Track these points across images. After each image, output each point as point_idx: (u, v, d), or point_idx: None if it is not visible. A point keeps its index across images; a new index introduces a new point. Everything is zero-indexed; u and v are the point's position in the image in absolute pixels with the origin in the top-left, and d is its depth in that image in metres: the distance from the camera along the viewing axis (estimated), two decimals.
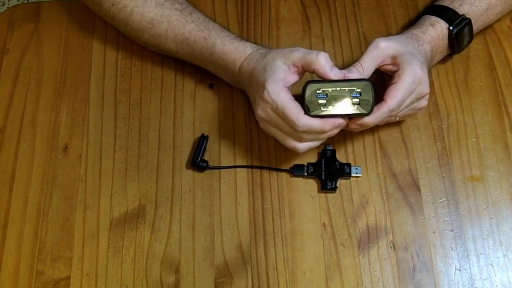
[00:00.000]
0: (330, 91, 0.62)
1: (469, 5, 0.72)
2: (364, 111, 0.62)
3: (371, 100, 0.62)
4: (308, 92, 0.63)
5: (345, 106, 0.63)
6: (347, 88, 0.63)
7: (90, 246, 0.68)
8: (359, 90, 0.62)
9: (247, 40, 0.72)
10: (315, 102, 0.63)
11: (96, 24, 0.82)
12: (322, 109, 0.63)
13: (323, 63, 0.62)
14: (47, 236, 0.69)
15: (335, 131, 0.64)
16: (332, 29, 0.80)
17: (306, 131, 0.63)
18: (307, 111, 0.63)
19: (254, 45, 0.70)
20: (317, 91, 0.63)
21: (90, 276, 0.67)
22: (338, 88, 0.63)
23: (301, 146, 0.65)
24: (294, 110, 0.62)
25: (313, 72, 0.63)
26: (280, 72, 0.63)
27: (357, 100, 0.62)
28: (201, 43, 0.71)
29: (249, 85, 0.69)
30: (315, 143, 0.65)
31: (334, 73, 0.63)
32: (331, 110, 0.63)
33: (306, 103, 0.63)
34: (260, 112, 0.65)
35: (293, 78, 0.65)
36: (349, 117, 0.65)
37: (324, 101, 0.63)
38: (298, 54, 0.63)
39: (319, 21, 0.81)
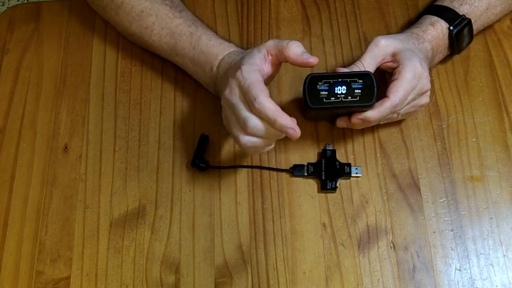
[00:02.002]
0: (331, 82, 0.63)
1: (469, 5, 0.72)
2: (366, 102, 0.63)
3: (373, 91, 0.62)
4: (309, 85, 0.63)
5: (347, 97, 0.63)
6: (348, 80, 0.63)
7: (90, 246, 0.68)
8: (360, 81, 0.63)
9: (232, 41, 0.73)
10: (317, 95, 0.63)
11: (96, 24, 0.82)
12: (324, 100, 0.63)
13: (294, 48, 0.61)
14: (47, 236, 0.69)
15: (280, 135, 0.61)
16: (332, 29, 0.80)
17: (261, 112, 0.59)
18: (308, 104, 0.63)
19: (238, 46, 0.71)
20: (319, 83, 0.63)
21: (90, 276, 0.67)
22: (340, 80, 0.63)
23: (245, 139, 0.61)
24: (259, 88, 0.59)
25: (285, 60, 0.62)
26: (256, 58, 0.63)
27: (359, 91, 0.62)
28: (185, 37, 0.71)
29: (224, 76, 0.67)
30: (258, 142, 0.61)
31: (305, 57, 0.61)
32: (333, 101, 0.63)
33: (307, 95, 0.63)
34: (227, 91, 0.62)
35: (268, 67, 0.64)
36: (352, 110, 0.65)
37: (326, 93, 0.63)
38: (272, 42, 0.63)
39: (319, 21, 0.81)
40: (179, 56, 0.73)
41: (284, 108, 0.74)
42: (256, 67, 0.61)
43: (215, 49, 0.70)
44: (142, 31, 0.74)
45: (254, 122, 0.59)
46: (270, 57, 0.63)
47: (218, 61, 0.69)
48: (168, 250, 0.68)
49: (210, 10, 0.82)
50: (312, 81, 0.63)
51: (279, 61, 0.64)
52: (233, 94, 0.61)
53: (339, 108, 0.64)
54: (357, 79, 0.63)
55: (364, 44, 0.78)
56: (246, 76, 0.60)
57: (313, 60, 0.61)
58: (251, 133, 0.60)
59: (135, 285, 0.66)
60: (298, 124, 0.73)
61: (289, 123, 0.59)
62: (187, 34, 0.71)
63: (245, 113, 0.60)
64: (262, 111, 0.58)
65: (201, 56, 0.70)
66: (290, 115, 0.74)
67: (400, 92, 0.64)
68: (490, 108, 0.74)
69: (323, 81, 0.63)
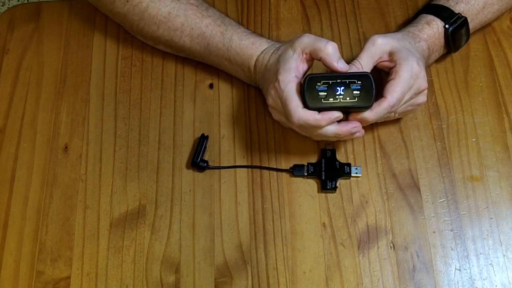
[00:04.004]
0: (330, 83, 0.63)
1: (465, 3, 0.72)
2: (365, 104, 0.63)
3: (372, 93, 0.63)
4: (308, 85, 0.63)
5: (346, 98, 0.63)
6: (347, 81, 0.63)
7: (90, 246, 0.68)
8: (359, 82, 0.63)
9: (262, 35, 0.73)
10: (315, 95, 0.63)
11: (96, 24, 0.82)
12: (323, 101, 0.63)
13: (331, 52, 0.63)
14: (47, 236, 0.69)
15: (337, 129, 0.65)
16: (332, 29, 0.80)
17: (303, 125, 0.64)
18: (307, 104, 0.63)
19: (269, 40, 0.72)
20: (317, 84, 0.63)
21: (90, 276, 0.67)
22: (339, 81, 0.63)
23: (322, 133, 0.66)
24: (294, 103, 0.63)
25: (319, 60, 0.64)
26: (291, 62, 0.65)
27: (358, 92, 0.63)
28: (218, 38, 0.71)
29: (262, 79, 0.70)
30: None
31: (340, 66, 0.64)
32: (331, 102, 0.63)
33: (306, 96, 0.63)
34: (270, 100, 0.67)
35: (304, 66, 0.66)
36: (350, 110, 0.65)
37: (325, 94, 0.63)
38: (307, 40, 0.65)
39: (319, 21, 0.81)
40: (214, 56, 0.73)
41: None
42: (293, 74, 0.64)
43: (248, 50, 0.70)
44: (171, 33, 0.73)
45: (304, 128, 0.66)
46: (305, 56, 0.65)
47: (254, 62, 0.70)
48: (168, 250, 0.68)
49: None
50: (311, 81, 0.63)
51: (313, 59, 0.66)
52: (277, 104, 0.66)
53: (337, 109, 0.64)
54: (356, 80, 0.63)
55: (363, 44, 0.78)
56: (283, 89, 0.64)
57: (345, 68, 0.64)
58: (308, 133, 0.68)
59: (135, 285, 0.66)
60: None
61: (332, 116, 0.63)
62: (218, 34, 0.71)
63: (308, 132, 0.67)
64: (303, 124, 0.63)
65: (237, 57, 0.71)
66: None
67: (397, 92, 0.64)
68: (490, 108, 0.74)
69: (322, 81, 0.63)
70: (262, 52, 0.70)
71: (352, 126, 0.64)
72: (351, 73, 0.64)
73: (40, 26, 0.82)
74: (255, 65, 0.70)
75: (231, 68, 0.74)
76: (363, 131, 0.66)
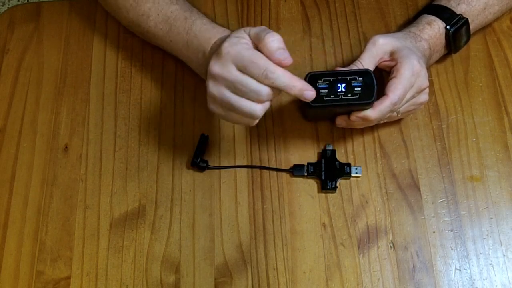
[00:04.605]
0: (331, 80, 0.63)
1: (466, 4, 0.72)
2: (366, 100, 0.63)
3: (373, 89, 0.62)
4: (309, 83, 0.63)
5: (347, 95, 0.63)
6: (348, 78, 0.63)
7: (90, 246, 0.68)
8: (360, 79, 0.63)
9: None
10: (317, 92, 0.63)
11: (96, 24, 0.82)
12: (324, 99, 0.63)
13: (270, 42, 0.57)
14: (47, 236, 0.69)
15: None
16: (332, 29, 0.80)
17: (274, 82, 0.57)
18: (308, 102, 0.63)
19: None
20: (318, 81, 0.63)
21: (90, 276, 0.67)
22: (340, 78, 0.63)
23: (260, 108, 0.59)
24: (261, 57, 0.57)
25: (260, 50, 0.59)
26: (244, 36, 0.60)
27: (359, 89, 0.63)
28: (180, 22, 0.70)
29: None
30: (268, 104, 0.60)
31: (278, 54, 0.57)
32: (333, 99, 0.63)
33: None
34: (218, 69, 0.58)
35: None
36: (352, 108, 0.65)
37: (326, 91, 0.63)
38: (254, 31, 0.60)
39: (319, 21, 0.81)
40: (173, 42, 0.71)
41: (284, 108, 0.75)
42: (244, 41, 0.59)
43: (208, 33, 0.67)
44: (139, 18, 0.73)
45: (267, 91, 0.57)
46: (253, 44, 0.60)
47: (210, 46, 0.66)
48: (168, 250, 0.68)
49: (210, 10, 0.82)
50: (312, 79, 0.63)
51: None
52: (229, 71, 0.58)
53: (339, 106, 0.64)
54: (356, 77, 0.63)
55: (364, 44, 0.78)
56: (239, 51, 0.57)
57: (286, 61, 0.57)
58: (264, 101, 0.59)
59: (135, 285, 0.66)
60: (298, 124, 0.74)
61: (305, 85, 0.58)
62: (181, 19, 0.70)
63: (254, 85, 0.57)
64: (275, 81, 0.57)
65: (194, 40, 0.68)
66: (290, 115, 0.74)
67: (399, 90, 0.64)
68: (490, 108, 0.74)
69: (323, 79, 0.63)
70: (220, 38, 0.65)
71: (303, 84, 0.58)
72: (352, 70, 0.64)
73: (40, 26, 0.82)
74: (211, 48, 0.65)
75: (186, 55, 0.71)
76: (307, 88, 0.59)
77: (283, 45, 0.58)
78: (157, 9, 0.71)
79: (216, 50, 0.61)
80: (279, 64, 0.57)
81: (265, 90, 0.58)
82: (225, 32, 0.67)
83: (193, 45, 0.68)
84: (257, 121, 0.61)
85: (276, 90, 0.58)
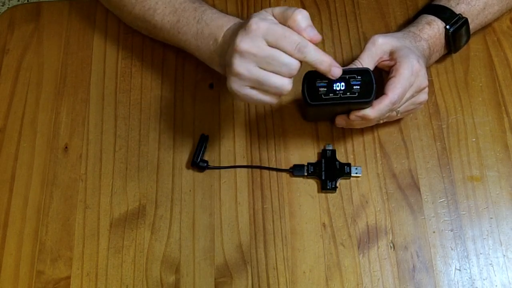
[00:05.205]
0: (330, 79, 0.63)
1: (466, 4, 0.72)
2: (365, 99, 0.63)
3: (372, 88, 0.63)
4: (307, 82, 0.63)
5: (346, 94, 0.63)
6: (347, 76, 0.63)
7: (90, 246, 0.68)
8: (359, 78, 0.63)
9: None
10: (315, 91, 0.63)
11: (96, 24, 0.82)
12: (323, 97, 0.63)
13: (299, 19, 0.58)
14: (47, 236, 0.69)
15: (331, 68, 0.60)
16: (332, 29, 0.80)
17: (306, 56, 0.58)
18: (307, 100, 0.63)
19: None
20: (317, 80, 0.63)
21: (90, 276, 0.67)
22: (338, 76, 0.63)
23: (289, 82, 0.59)
24: (294, 32, 0.58)
25: (287, 25, 0.59)
26: (269, 13, 0.60)
27: (358, 88, 0.63)
28: (189, 12, 0.69)
29: (228, 47, 0.63)
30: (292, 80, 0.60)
31: (308, 33, 0.58)
32: (332, 98, 0.63)
33: (306, 92, 0.63)
34: (246, 46, 0.58)
35: None
36: (351, 107, 0.65)
37: (325, 90, 0.63)
38: (278, 10, 0.60)
39: (319, 21, 0.81)
40: (182, 33, 0.70)
41: (284, 108, 0.75)
42: (271, 17, 0.59)
43: (219, 20, 0.66)
44: (145, 13, 0.72)
45: (298, 64, 0.58)
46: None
47: (223, 32, 0.65)
48: (168, 250, 0.68)
49: None
50: (310, 78, 0.63)
51: None
52: (260, 45, 0.58)
53: (338, 105, 0.64)
54: (355, 76, 0.63)
55: (364, 44, 0.78)
56: (270, 25, 0.57)
57: (316, 37, 0.58)
58: (293, 75, 0.59)
59: (135, 285, 0.66)
60: (298, 124, 0.74)
61: (333, 61, 0.60)
62: (191, 9, 0.69)
63: (287, 59, 0.58)
64: (307, 55, 0.58)
65: (205, 29, 0.67)
66: (290, 115, 0.74)
67: (398, 89, 0.64)
68: (490, 108, 0.74)
69: (322, 77, 0.63)
70: (234, 24, 0.65)
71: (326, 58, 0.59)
72: (351, 69, 0.64)
73: (40, 26, 0.82)
74: (224, 35, 0.65)
75: (195, 45, 0.69)
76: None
77: (311, 23, 0.59)
78: (164, 2, 0.71)
79: (241, 27, 0.60)
80: (310, 40, 0.58)
81: (297, 64, 0.58)
82: (236, 20, 0.66)
83: (204, 33, 0.67)
84: (279, 98, 0.61)
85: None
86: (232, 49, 0.59)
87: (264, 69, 0.58)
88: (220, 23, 0.66)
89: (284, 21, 0.59)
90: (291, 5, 0.82)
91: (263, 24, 0.58)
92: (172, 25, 0.70)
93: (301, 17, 0.58)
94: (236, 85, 0.60)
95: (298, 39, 0.57)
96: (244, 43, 0.58)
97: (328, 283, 0.66)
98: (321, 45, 0.79)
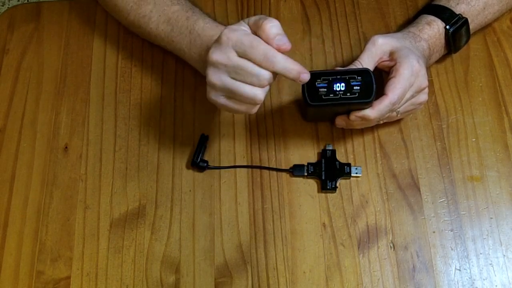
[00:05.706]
0: (330, 79, 0.63)
1: (465, 4, 0.72)
2: (365, 99, 0.63)
3: (372, 88, 0.63)
4: (308, 82, 0.63)
5: (346, 94, 0.63)
6: (347, 77, 0.63)
7: (90, 246, 0.68)
8: (359, 78, 0.63)
9: None
10: (315, 92, 0.63)
11: (97, 24, 0.82)
12: (323, 97, 0.63)
13: (269, 28, 0.57)
14: (47, 236, 0.69)
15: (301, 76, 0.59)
16: (332, 29, 0.80)
17: (275, 66, 0.57)
18: (307, 101, 0.63)
19: None
20: (317, 81, 0.63)
21: (90, 276, 0.67)
22: (338, 77, 0.63)
23: (261, 92, 0.59)
24: (260, 42, 0.57)
25: (258, 35, 0.59)
26: (242, 24, 0.60)
27: (358, 88, 0.63)
28: (182, 22, 0.70)
29: None
30: (267, 89, 0.60)
31: (277, 42, 0.57)
32: (332, 98, 0.63)
33: (306, 93, 0.63)
34: (219, 57, 0.58)
35: None
36: (351, 108, 0.65)
37: (325, 90, 0.63)
38: (253, 18, 0.60)
39: (319, 21, 0.81)
40: (176, 42, 0.71)
41: (284, 108, 0.75)
42: (243, 28, 0.59)
43: (211, 31, 0.68)
44: (140, 20, 0.73)
45: (268, 74, 0.58)
46: (252, 32, 0.60)
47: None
48: (168, 250, 0.68)
49: (210, 10, 0.82)
50: (311, 78, 0.63)
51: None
52: (229, 56, 0.58)
53: (338, 106, 0.64)
54: (355, 76, 0.63)
55: (364, 44, 0.78)
56: (239, 37, 0.57)
57: (285, 46, 0.57)
58: (265, 85, 0.59)
59: (135, 285, 0.66)
60: (298, 124, 0.74)
61: (301, 68, 0.58)
62: (183, 19, 0.70)
63: (256, 69, 0.57)
64: (275, 65, 0.57)
65: (197, 39, 0.69)
66: (290, 115, 0.74)
67: (398, 90, 0.64)
68: (490, 108, 0.74)
69: (321, 78, 0.63)
70: None
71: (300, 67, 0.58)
72: (351, 69, 0.64)
73: (40, 26, 0.82)
74: None
75: (189, 55, 0.71)
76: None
77: (282, 31, 0.58)
78: (158, 11, 0.72)
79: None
80: (278, 49, 0.57)
81: (266, 74, 0.58)
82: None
83: (196, 44, 0.69)
84: (257, 108, 0.61)
85: (274, 74, 0.59)
86: (206, 60, 0.60)
87: (236, 79, 0.59)
88: (211, 34, 0.67)
89: (256, 30, 0.59)
90: (291, 5, 0.82)
91: (233, 35, 0.58)
92: (166, 34, 0.72)
93: (271, 26, 0.58)
94: (212, 95, 0.61)
95: (265, 49, 0.57)
96: (214, 54, 0.59)
97: (328, 283, 0.66)
98: (321, 45, 0.79)
